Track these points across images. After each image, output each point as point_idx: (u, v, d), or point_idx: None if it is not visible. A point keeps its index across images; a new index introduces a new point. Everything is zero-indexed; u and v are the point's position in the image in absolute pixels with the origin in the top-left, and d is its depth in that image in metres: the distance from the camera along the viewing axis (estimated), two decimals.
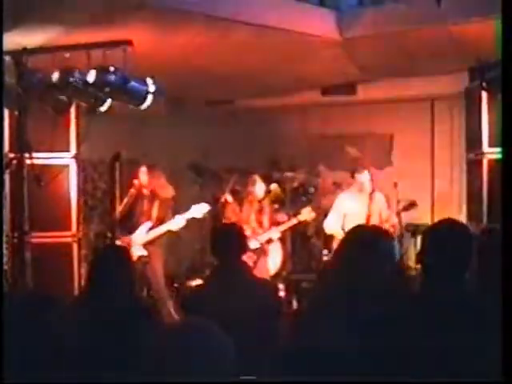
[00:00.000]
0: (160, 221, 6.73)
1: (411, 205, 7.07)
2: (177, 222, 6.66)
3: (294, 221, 7.25)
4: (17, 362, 2.44)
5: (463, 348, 2.43)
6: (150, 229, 6.72)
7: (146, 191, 6.79)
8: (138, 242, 6.67)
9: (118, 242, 6.56)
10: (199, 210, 6.80)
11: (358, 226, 3.24)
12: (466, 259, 2.65)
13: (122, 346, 3.33)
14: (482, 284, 2.95)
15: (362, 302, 2.73)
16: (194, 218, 6.88)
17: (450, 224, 2.85)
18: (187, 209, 6.76)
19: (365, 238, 2.95)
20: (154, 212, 6.75)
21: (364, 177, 7.02)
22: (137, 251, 6.51)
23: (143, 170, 6.80)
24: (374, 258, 2.84)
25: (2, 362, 2.38)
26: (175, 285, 7.60)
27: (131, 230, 6.73)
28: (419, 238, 6.95)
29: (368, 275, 2.80)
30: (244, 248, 4.07)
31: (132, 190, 6.83)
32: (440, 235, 2.74)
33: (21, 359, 2.47)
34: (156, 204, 6.77)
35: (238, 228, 4.37)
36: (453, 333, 2.47)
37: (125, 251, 4.02)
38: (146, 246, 6.70)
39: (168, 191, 6.78)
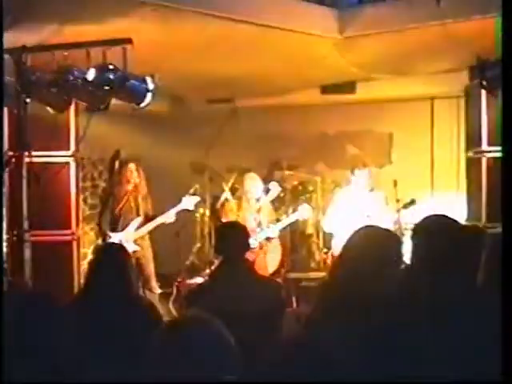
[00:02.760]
0: (146, 215, 6.86)
1: (411, 203, 7.04)
2: (168, 216, 6.79)
3: (291, 218, 7.25)
4: (17, 362, 2.43)
5: (461, 346, 2.43)
6: (141, 224, 6.81)
7: (131, 187, 6.87)
8: (130, 237, 6.73)
9: (111, 240, 6.59)
10: (190, 201, 6.93)
11: (367, 227, 3.16)
12: (458, 254, 2.63)
13: (123, 345, 3.33)
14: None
15: (372, 305, 2.70)
16: (193, 218, 6.92)
17: (437, 220, 2.85)
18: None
19: (376, 238, 2.92)
20: (141, 207, 6.86)
21: (364, 175, 7.01)
22: (130, 247, 6.54)
23: (132, 167, 6.87)
24: (385, 258, 2.82)
25: (2, 362, 2.38)
26: (175, 283, 7.60)
27: (123, 227, 6.79)
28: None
29: (378, 277, 2.77)
30: (247, 246, 4.11)
31: (130, 188, 6.86)
32: (428, 231, 2.74)
33: (21, 359, 2.46)
34: (140, 199, 6.88)
35: (242, 226, 4.39)
36: (447, 331, 2.47)
37: (122, 249, 4.03)
38: (137, 240, 6.78)
39: (145, 188, 6.93)
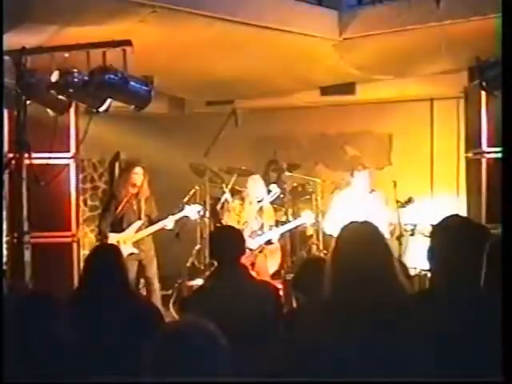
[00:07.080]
0: (148, 218, 6.86)
1: (408, 201, 7.01)
2: (168, 222, 6.80)
3: (294, 224, 7.26)
4: (17, 362, 2.44)
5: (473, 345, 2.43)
6: (141, 227, 6.80)
7: (134, 190, 6.84)
8: (129, 239, 6.71)
9: (108, 241, 6.58)
10: (192, 210, 6.95)
11: (352, 223, 3.20)
12: (480, 255, 2.60)
13: (121, 345, 3.33)
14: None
15: (365, 300, 2.72)
16: (194, 220, 6.94)
17: (463, 220, 2.83)
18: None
19: (362, 234, 2.93)
20: (143, 210, 6.84)
21: (363, 176, 7.02)
22: (128, 249, 6.53)
23: (140, 170, 6.84)
24: (374, 253, 2.83)
25: (2, 362, 2.38)
26: (176, 285, 7.60)
27: (122, 229, 6.77)
28: (418, 238, 6.94)
29: (369, 271, 2.78)
30: (242, 250, 4.08)
31: (132, 191, 6.85)
32: (455, 231, 2.71)
33: (21, 359, 2.47)
34: (142, 202, 6.84)
35: (236, 230, 4.38)
36: (466, 331, 2.46)
37: (113, 249, 4.03)
38: (137, 243, 6.75)
39: (147, 190, 6.91)
